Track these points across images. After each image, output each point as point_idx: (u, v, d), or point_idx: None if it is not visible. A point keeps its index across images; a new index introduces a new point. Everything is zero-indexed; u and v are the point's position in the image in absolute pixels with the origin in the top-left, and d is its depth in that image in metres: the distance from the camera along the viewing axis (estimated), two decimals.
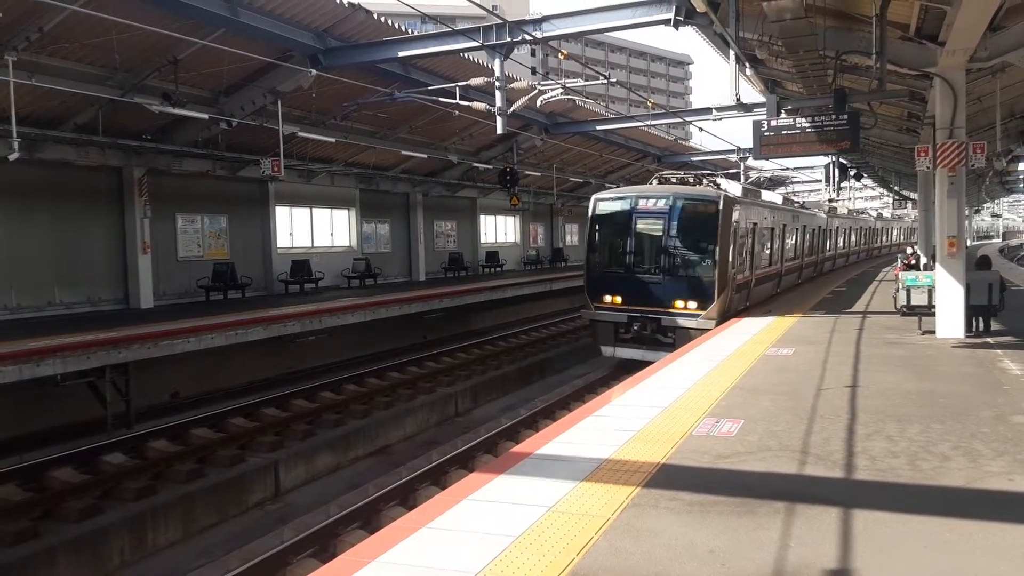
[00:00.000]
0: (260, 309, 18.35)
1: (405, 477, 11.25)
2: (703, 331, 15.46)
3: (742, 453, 7.03)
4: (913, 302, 14.66)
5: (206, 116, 17.27)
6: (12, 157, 14.32)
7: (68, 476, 10.84)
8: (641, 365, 14.05)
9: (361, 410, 15.01)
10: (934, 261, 15.10)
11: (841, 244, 37.35)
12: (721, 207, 16.41)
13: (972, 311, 13.74)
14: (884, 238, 57.61)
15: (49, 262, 17.88)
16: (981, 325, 14.03)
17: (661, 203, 17.02)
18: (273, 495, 11.76)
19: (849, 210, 43.33)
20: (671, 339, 16.43)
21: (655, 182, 19.16)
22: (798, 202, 30.98)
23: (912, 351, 12.52)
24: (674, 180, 18.94)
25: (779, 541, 5.06)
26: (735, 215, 17.04)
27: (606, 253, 17.98)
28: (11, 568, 8.52)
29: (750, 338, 13.96)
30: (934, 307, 14.02)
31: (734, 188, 19.36)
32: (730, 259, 16.74)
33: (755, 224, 19.15)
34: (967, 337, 13.44)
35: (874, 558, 4.80)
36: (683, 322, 16.42)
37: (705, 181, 18.89)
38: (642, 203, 17.22)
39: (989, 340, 13.32)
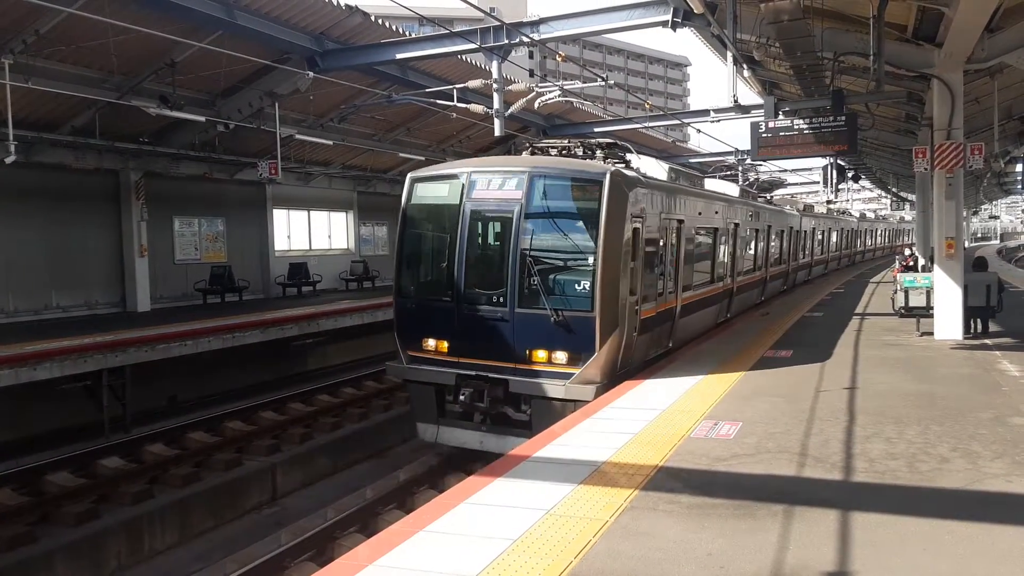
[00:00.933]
0: (257, 312, 18.31)
1: (402, 480, 11.22)
2: (581, 403, 9.49)
3: (740, 455, 7.01)
4: (911, 303, 14.66)
5: (203, 119, 17.25)
6: (8, 160, 14.30)
7: (65, 480, 10.80)
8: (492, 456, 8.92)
9: (358, 413, 14.98)
10: (932, 262, 15.11)
11: (819, 249, 31.49)
12: (607, 191, 10.09)
13: (970, 312, 13.74)
14: (868, 241, 50.53)
15: (46, 265, 17.84)
16: (979, 326, 14.04)
17: (510, 185, 10.54)
18: (270, 499, 11.72)
19: (828, 208, 37.25)
20: (526, 414, 10.34)
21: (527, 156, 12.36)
22: (764, 196, 24.92)
23: (910, 352, 12.52)
24: (553, 153, 12.25)
25: (778, 543, 5.05)
26: (637, 205, 10.86)
27: (425, 270, 11.73)
28: (8, 573, 8.49)
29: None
30: (932, 308, 14.01)
31: (651, 166, 13.34)
32: (628, 277, 10.52)
33: (681, 222, 12.95)
34: (965, 338, 13.44)
35: (873, 561, 4.78)
36: (544, 387, 10.07)
37: (600, 153, 12.06)
38: (480, 186, 10.74)
39: (987, 341, 13.31)
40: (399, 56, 16.75)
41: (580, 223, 10.41)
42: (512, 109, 17.37)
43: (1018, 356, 11.80)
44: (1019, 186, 42.51)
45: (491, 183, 10.76)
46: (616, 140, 13.61)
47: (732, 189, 19.31)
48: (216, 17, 14.07)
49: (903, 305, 14.92)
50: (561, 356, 10.17)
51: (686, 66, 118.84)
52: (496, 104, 16.37)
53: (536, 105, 19.87)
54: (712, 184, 18.10)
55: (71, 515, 9.73)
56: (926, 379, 10.37)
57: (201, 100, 18.03)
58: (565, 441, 7.58)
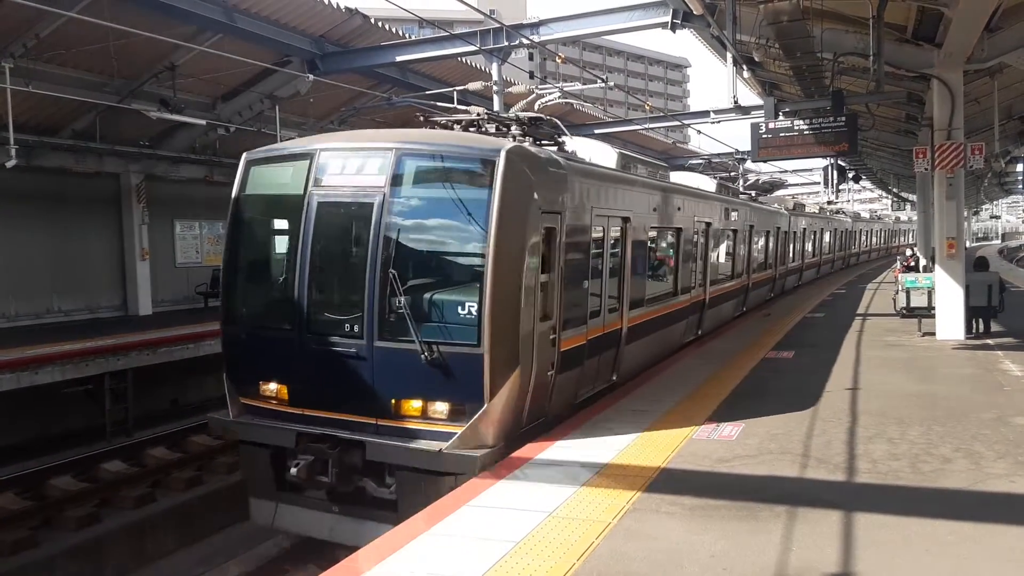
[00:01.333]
0: None
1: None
2: (465, 477, 6.92)
3: (743, 457, 7.01)
4: (913, 304, 14.66)
5: (204, 122, 17.26)
6: (9, 164, 14.31)
7: (67, 484, 10.79)
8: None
9: None
10: (933, 262, 15.11)
11: (810, 251, 29.27)
12: (502, 175, 7.39)
13: (972, 312, 13.74)
14: (864, 242, 47.97)
15: (47, 269, 17.84)
16: (981, 326, 14.03)
17: (371, 168, 7.86)
18: None
19: (821, 207, 35.09)
20: (390, 491, 7.69)
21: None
22: (747, 193, 22.12)
23: (912, 353, 12.51)
24: (458, 129, 9.36)
25: (781, 545, 5.04)
26: (554, 196, 8.26)
27: (259, 287, 8.94)
28: None
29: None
30: (934, 309, 14.01)
31: (595, 151, 10.98)
32: (538, 295, 7.79)
33: (627, 220, 10.25)
34: (967, 339, 13.43)
35: (876, 561, 4.78)
36: (412, 452, 7.32)
37: (517, 130, 9.21)
38: (332, 170, 8.05)
39: (989, 341, 13.31)
40: (399, 58, 16.78)
41: (464, 221, 7.59)
42: (512, 111, 17.39)
43: (1020, 356, 11.79)
44: (1020, 186, 42.56)
45: (346, 165, 7.98)
46: (547, 116, 10.41)
47: (707, 183, 16.97)
48: (216, 20, 14.10)
49: (905, 305, 14.92)
50: (440, 408, 7.42)
51: (686, 67, 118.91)
52: (496, 106, 16.39)
53: (536, 107, 19.90)
54: (681, 177, 15.93)
55: (73, 519, 9.73)
56: (928, 379, 10.36)
57: (201, 103, 18.05)
58: (568, 443, 7.57)
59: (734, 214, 17.20)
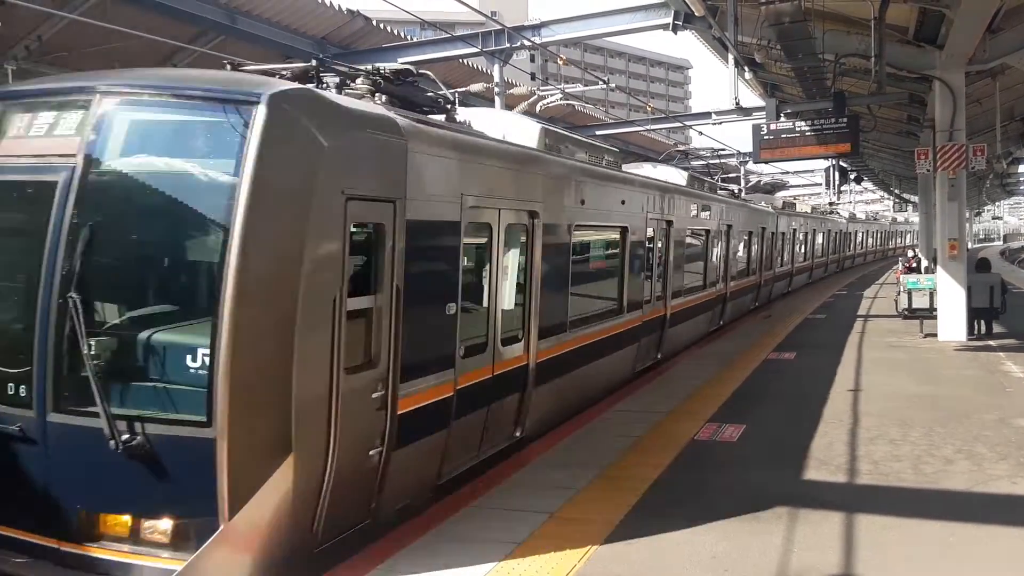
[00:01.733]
0: None
1: None
2: None
3: (744, 458, 7.00)
4: (915, 305, 14.66)
5: None
6: None
7: None
8: None
9: None
10: (935, 264, 15.11)
11: (800, 255, 27.00)
12: (260, 134, 4.45)
13: (974, 314, 13.73)
14: (859, 244, 45.71)
15: None
16: (983, 328, 14.02)
17: (64, 126, 4.84)
18: None
19: (813, 207, 33.26)
20: None
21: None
22: (728, 189, 19.78)
23: (914, 354, 12.51)
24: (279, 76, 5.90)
25: (782, 546, 5.04)
26: (377, 176, 5.34)
27: None
28: None
29: None
30: (935, 310, 14.01)
31: (506, 124, 8.66)
32: (335, 332, 4.80)
33: (534, 217, 7.55)
34: (969, 340, 13.42)
35: (877, 563, 4.77)
36: None
37: (365, 83, 6.16)
38: (14, 131, 5.02)
39: (991, 343, 13.30)
40: (401, 60, 16.73)
41: (198, 211, 4.76)
42: (513, 111, 17.41)
43: (1022, 357, 11.78)
44: (1022, 187, 42.54)
45: (33, 121, 5.01)
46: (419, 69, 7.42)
47: (675, 175, 14.52)
48: (218, 22, 14.12)
49: (907, 307, 14.93)
50: (160, 526, 4.51)
51: (687, 69, 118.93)
52: (498, 108, 16.40)
53: (538, 108, 19.94)
54: (643, 168, 14.03)
55: None
56: (930, 381, 10.35)
57: None
58: (570, 445, 7.56)
59: (706, 212, 14.61)
